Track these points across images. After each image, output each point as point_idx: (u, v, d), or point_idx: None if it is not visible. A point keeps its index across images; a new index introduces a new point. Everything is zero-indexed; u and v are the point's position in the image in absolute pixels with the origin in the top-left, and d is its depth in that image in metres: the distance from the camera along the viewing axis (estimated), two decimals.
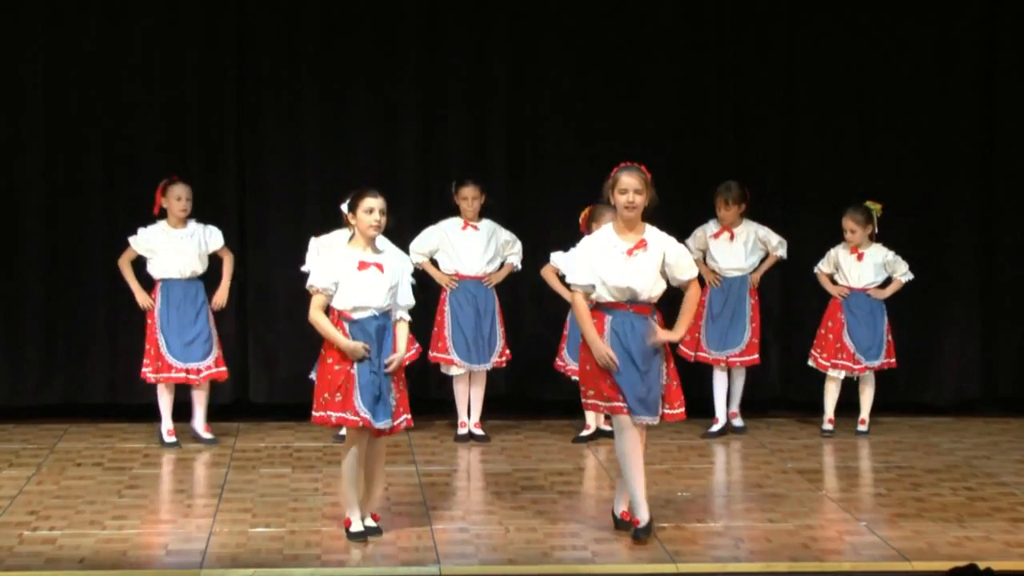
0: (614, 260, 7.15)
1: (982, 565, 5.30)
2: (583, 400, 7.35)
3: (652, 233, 7.24)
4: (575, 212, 10.15)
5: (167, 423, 9.38)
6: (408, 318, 7.33)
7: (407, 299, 7.29)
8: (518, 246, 9.71)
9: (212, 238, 9.46)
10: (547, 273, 9.55)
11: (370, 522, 7.26)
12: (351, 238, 7.36)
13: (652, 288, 7.18)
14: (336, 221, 8.53)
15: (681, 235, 8.69)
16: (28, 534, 7.28)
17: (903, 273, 9.79)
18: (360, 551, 7.02)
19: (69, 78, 10.09)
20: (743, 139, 10.52)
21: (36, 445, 9.33)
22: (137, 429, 9.78)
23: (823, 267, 9.91)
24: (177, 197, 9.31)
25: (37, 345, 10.12)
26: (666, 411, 7.24)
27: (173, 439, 9.32)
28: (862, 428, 9.84)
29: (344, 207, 7.29)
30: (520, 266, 9.72)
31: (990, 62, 10.62)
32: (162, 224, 9.39)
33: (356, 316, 7.13)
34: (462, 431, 9.60)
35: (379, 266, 7.20)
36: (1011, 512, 7.84)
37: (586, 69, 10.40)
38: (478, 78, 10.41)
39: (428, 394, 10.32)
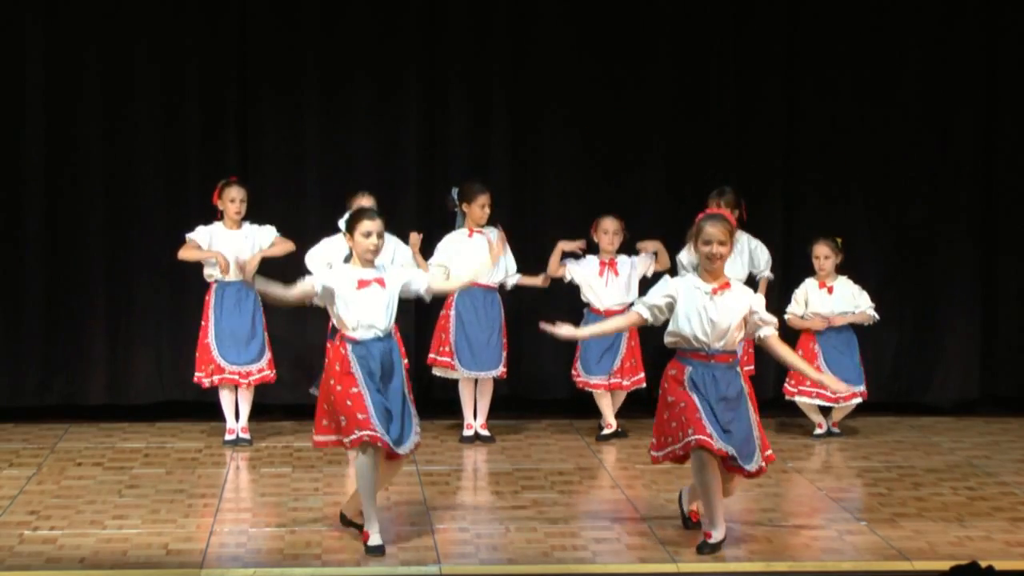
0: (699, 300, 6.99)
1: (983, 563, 5.29)
2: (654, 453, 7.10)
3: (735, 282, 7.16)
4: (576, 213, 10.18)
5: (230, 423, 9.36)
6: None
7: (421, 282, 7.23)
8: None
9: (264, 237, 9.37)
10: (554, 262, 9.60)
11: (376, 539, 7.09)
12: (349, 256, 7.15)
13: (735, 331, 7.01)
14: (333, 218, 8.54)
15: (678, 234, 8.69)
16: (28, 534, 7.28)
17: (867, 307, 9.70)
18: (359, 551, 7.02)
19: (69, 76, 10.07)
20: (745, 138, 10.52)
21: (36, 445, 9.33)
22: (137, 429, 9.79)
23: (795, 310, 9.77)
24: (231, 199, 9.25)
25: (37, 345, 10.12)
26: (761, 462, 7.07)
27: (232, 437, 9.32)
28: (835, 430, 9.80)
29: (342, 224, 7.18)
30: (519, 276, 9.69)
31: (991, 61, 10.62)
32: (219, 226, 9.33)
33: (360, 337, 6.99)
34: (468, 432, 9.56)
35: (380, 281, 7.05)
36: (1012, 512, 7.85)
37: (586, 67, 10.39)
38: (479, 76, 10.40)
39: (430, 394, 10.32)
